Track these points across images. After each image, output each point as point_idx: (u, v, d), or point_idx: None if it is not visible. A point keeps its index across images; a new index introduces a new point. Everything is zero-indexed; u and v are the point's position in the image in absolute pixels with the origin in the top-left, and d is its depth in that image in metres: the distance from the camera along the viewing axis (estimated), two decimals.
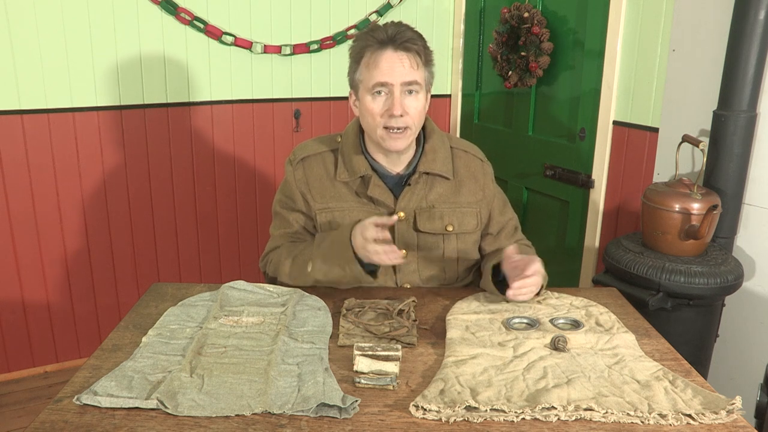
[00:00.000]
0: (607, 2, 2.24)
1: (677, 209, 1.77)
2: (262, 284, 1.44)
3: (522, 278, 1.29)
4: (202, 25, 2.59)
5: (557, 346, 1.17)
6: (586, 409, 0.98)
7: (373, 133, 1.42)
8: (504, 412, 0.98)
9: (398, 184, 1.50)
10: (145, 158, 2.66)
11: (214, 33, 2.62)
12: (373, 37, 1.37)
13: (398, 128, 1.38)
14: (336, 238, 1.39)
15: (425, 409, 0.98)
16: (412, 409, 0.98)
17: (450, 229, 1.51)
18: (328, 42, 2.82)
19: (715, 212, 1.75)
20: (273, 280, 1.54)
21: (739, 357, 1.96)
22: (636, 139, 2.22)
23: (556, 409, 0.98)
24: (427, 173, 1.49)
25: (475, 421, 0.96)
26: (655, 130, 2.13)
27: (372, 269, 1.39)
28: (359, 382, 1.05)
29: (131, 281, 2.76)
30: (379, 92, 1.38)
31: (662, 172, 2.11)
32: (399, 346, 1.14)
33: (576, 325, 1.27)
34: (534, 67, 2.51)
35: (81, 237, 2.61)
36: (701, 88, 1.95)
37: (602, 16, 2.27)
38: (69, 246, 2.60)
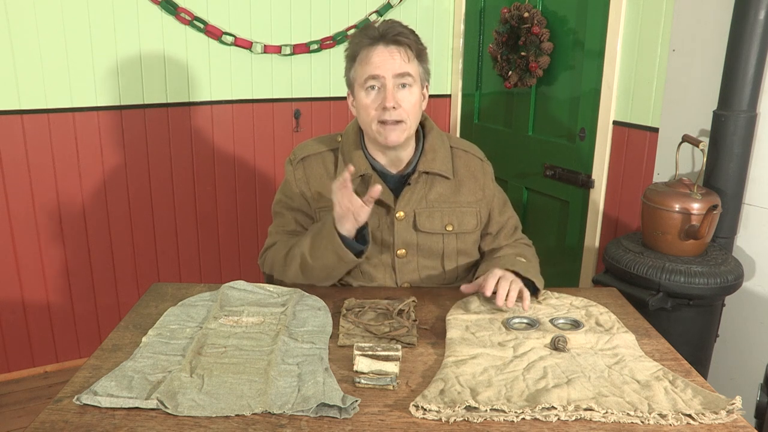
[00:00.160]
0: (607, 2, 2.24)
1: (677, 209, 1.77)
2: (262, 284, 1.44)
3: (494, 292, 1.29)
4: (202, 25, 2.59)
5: (557, 346, 1.17)
6: (586, 409, 0.98)
7: (369, 128, 1.42)
8: (504, 412, 0.98)
9: (398, 184, 1.50)
10: (145, 158, 2.66)
11: (214, 33, 2.62)
12: (366, 36, 1.39)
13: (392, 121, 1.38)
14: (324, 221, 1.42)
15: (425, 409, 0.98)
16: (412, 409, 0.98)
17: (450, 228, 1.51)
18: (328, 42, 2.82)
19: (715, 212, 1.75)
20: (271, 278, 1.54)
21: (739, 357, 1.96)
22: (636, 139, 2.22)
23: (556, 409, 0.98)
24: (427, 173, 1.49)
25: (475, 421, 0.96)
26: (655, 130, 2.13)
27: (359, 250, 1.40)
28: (359, 382, 1.05)
29: (131, 281, 2.76)
30: (372, 87, 1.39)
31: (662, 172, 2.11)
32: (399, 346, 1.14)
33: (576, 325, 1.27)
34: (534, 67, 2.51)
35: (81, 237, 2.61)
36: (701, 88, 1.95)
37: (602, 16, 2.27)
38: (69, 246, 2.60)
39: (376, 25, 1.40)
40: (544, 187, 2.66)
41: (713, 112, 1.86)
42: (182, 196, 2.77)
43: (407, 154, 1.50)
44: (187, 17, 2.55)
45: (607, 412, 0.97)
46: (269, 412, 0.97)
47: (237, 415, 0.97)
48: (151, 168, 2.68)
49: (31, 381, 2.63)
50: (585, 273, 2.47)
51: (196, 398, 1.00)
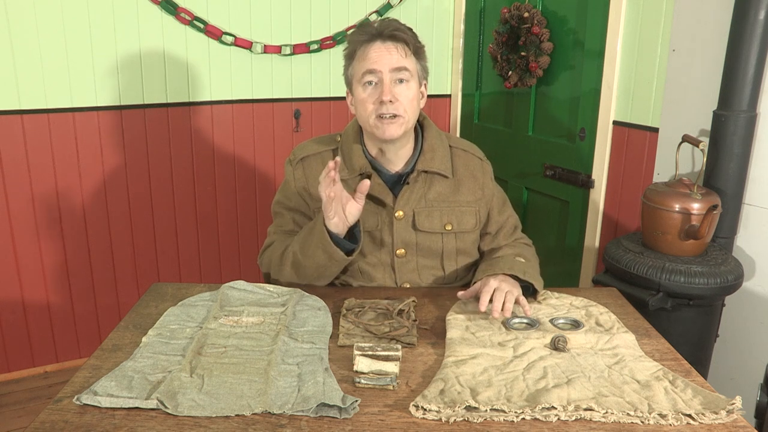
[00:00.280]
0: (607, 2, 2.24)
1: (677, 209, 1.77)
2: (262, 284, 1.44)
3: (490, 303, 1.29)
4: (202, 25, 2.59)
5: (557, 346, 1.17)
6: (586, 409, 0.98)
7: (366, 123, 1.43)
8: (504, 412, 0.98)
9: (397, 183, 1.50)
10: (145, 158, 2.66)
11: (214, 33, 2.62)
12: (363, 33, 1.40)
13: (390, 115, 1.38)
14: (315, 219, 1.43)
15: (425, 409, 0.98)
16: (412, 409, 0.98)
17: (449, 228, 1.51)
18: (328, 42, 2.82)
19: (715, 212, 1.75)
20: (270, 278, 1.54)
21: (739, 357, 1.96)
22: (636, 139, 2.22)
23: (556, 409, 0.98)
24: (426, 172, 1.49)
25: (475, 421, 0.96)
26: (655, 130, 2.13)
27: (350, 248, 1.40)
28: (359, 382, 1.05)
29: (131, 281, 2.76)
30: (370, 82, 1.39)
31: (662, 172, 2.11)
32: (399, 346, 1.14)
33: (576, 325, 1.27)
34: (534, 67, 2.51)
35: (81, 237, 2.61)
36: (701, 88, 1.95)
37: (602, 16, 2.27)
38: (69, 246, 2.60)
39: (374, 22, 1.42)
40: (544, 187, 2.66)
41: (713, 112, 1.86)
42: (182, 196, 2.76)
43: (406, 152, 1.50)
44: (187, 17, 2.55)
45: (607, 412, 0.97)
46: (269, 412, 0.97)
47: (237, 415, 0.97)
48: (151, 168, 2.68)
49: (31, 381, 2.63)
50: (585, 273, 2.47)
51: (196, 398, 1.00)
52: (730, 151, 1.82)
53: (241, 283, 1.42)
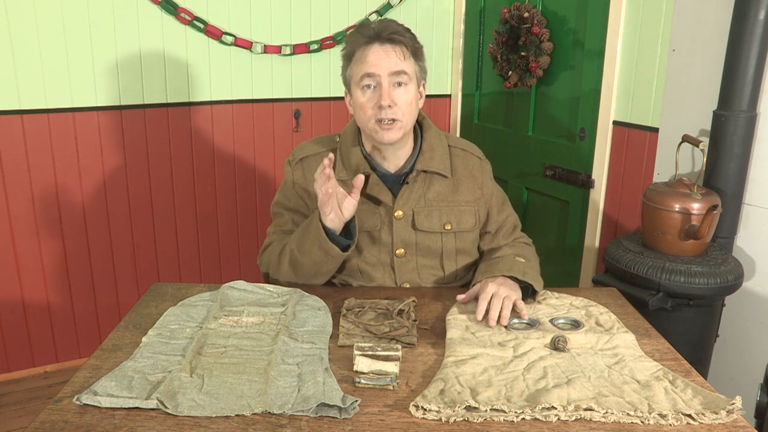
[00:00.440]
0: (607, 2, 2.24)
1: (677, 209, 1.77)
2: (262, 284, 1.44)
3: (486, 311, 1.29)
4: (202, 25, 2.59)
5: (557, 346, 1.17)
6: (586, 409, 0.98)
7: (365, 127, 1.43)
8: (504, 412, 0.98)
9: (396, 183, 1.50)
10: (145, 158, 2.66)
11: (214, 33, 2.62)
12: (361, 35, 1.40)
13: (388, 120, 1.38)
14: (311, 217, 1.43)
15: (425, 409, 0.98)
16: (412, 409, 0.98)
17: (448, 227, 1.51)
18: (328, 42, 2.82)
19: (715, 212, 1.75)
20: (269, 277, 1.55)
21: (739, 357, 1.96)
22: (636, 139, 2.22)
23: (556, 409, 0.98)
24: (425, 171, 1.50)
25: (475, 421, 0.96)
26: (655, 130, 2.13)
27: (345, 245, 1.40)
28: (359, 382, 1.05)
29: (131, 281, 2.76)
30: (368, 86, 1.39)
31: (662, 172, 2.11)
32: (399, 346, 1.14)
33: (576, 325, 1.27)
34: (534, 67, 2.51)
35: (81, 237, 2.61)
36: (701, 88, 1.95)
37: (602, 16, 2.27)
38: (69, 246, 2.60)
39: (372, 23, 1.41)
40: (544, 187, 2.66)
41: (713, 112, 1.86)
42: (182, 196, 2.77)
43: (405, 152, 1.50)
44: (187, 17, 2.55)
45: (607, 412, 0.97)
46: (269, 412, 0.97)
47: (237, 415, 0.97)
48: (151, 168, 2.68)
49: (31, 381, 2.63)
50: (585, 273, 2.47)
51: (196, 398, 1.00)
52: (730, 151, 1.82)
53: (241, 283, 1.42)
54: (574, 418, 0.97)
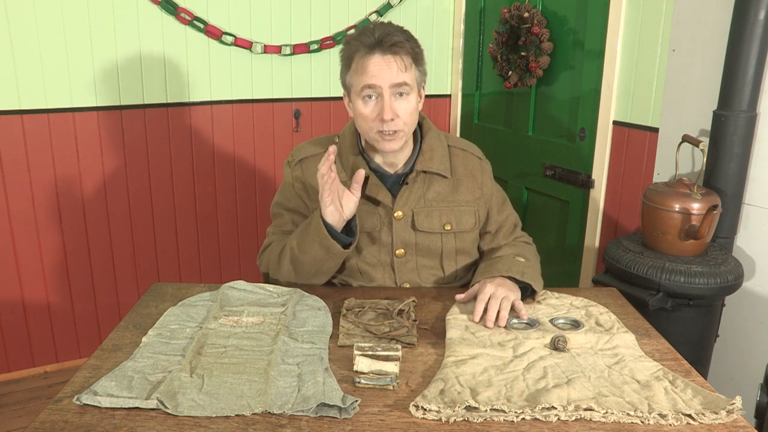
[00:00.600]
0: (607, 2, 2.24)
1: (677, 209, 1.77)
2: (262, 284, 1.44)
3: (484, 313, 1.29)
4: (202, 25, 2.59)
5: (557, 346, 1.17)
6: (586, 409, 0.98)
7: (366, 136, 1.43)
8: (504, 412, 0.98)
9: (396, 183, 1.50)
10: (145, 158, 2.66)
11: (214, 33, 2.62)
12: (361, 42, 1.37)
13: (390, 131, 1.38)
14: (312, 215, 1.43)
15: (425, 409, 0.98)
16: (412, 409, 0.98)
17: (448, 228, 1.51)
18: (328, 42, 2.82)
19: (715, 212, 1.75)
20: (269, 277, 1.55)
21: (739, 357, 1.96)
22: (636, 139, 2.22)
23: (556, 409, 0.98)
24: (425, 172, 1.50)
25: (475, 421, 0.96)
26: (655, 130, 2.13)
27: (347, 242, 1.40)
28: (359, 382, 1.05)
29: (131, 281, 2.76)
30: (369, 96, 1.38)
31: (662, 172, 2.11)
32: (399, 346, 1.14)
33: (576, 325, 1.27)
34: (534, 67, 2.51)
35: (81, 237, 2.61)
36: (701, 88, 1.95)
37: (602, 16, 2.27)
38: (69, 246, 2.60)
39: (372, 27, 1.38)
40: (544, 187, 2.66)
41: (713, 112, 1.86)
42: (182, 196, 2.77)
43: (405, 154, 1.50)
44: (187, 17, 2.55)
45: (607, 412, 0.97)
46: (269, 412, 0.98)
47: (237, 415, 0.97)
48: (151, 168, 2.68)
49: (31, 381, 2.63)
50: (585, 273, 2.47)
51: (196, 398, 1.00)
52: (730, 151, 1.82)
53: (241, 283, 1.42)
54: (574, 418, 0.97)
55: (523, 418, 0.97)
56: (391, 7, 2.91)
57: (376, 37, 1.36)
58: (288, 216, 1.55)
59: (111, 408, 0.98)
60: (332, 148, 1.29)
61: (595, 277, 1.94)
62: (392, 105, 1.37)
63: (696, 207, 1.75)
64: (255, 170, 2.88)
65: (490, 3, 2.84)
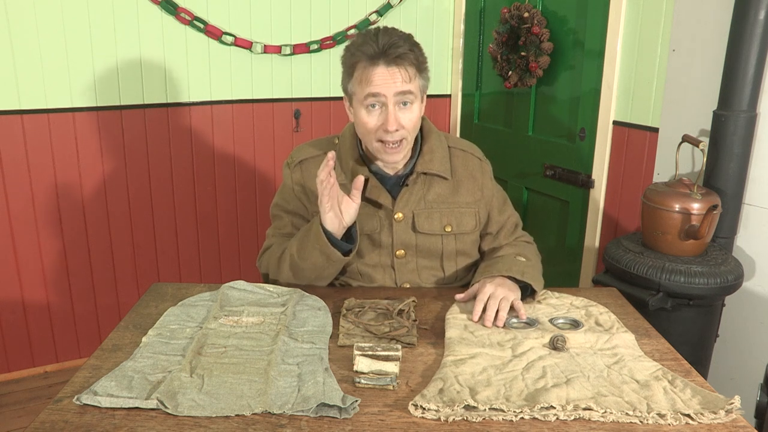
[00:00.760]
0: (607, 2, 2.24)
1: (677, 209, 1.77)
2: (262, 284, 1.44)
3: (482, 313, 1.29)
4: (202, 25, 2.59)
5: (556, 345, 1.17)
6: (585, 409, 0.98)
7: (368, 144, 1.43)
8: (503, 411, 0.98)
9: (396, 185, 1.50)
10: (145, 158, 2.66)
11: (214, 33, 2.62)
12: (363, 52, 1.34)
13: (394, 142, 1.38)
14: (311, 221, 1.43)
15: (424, 408, 0.98)
16: (411, 409, 0.98)
17: (448, 229, 1.51)
18: (328, 42, 2.82)
19: (715, 212, 1.75)
20: (268, 277, 1.55)
21: (739, 357, 1.96)
22: (636, 139, 2.22)
23: (555, 408, 0.98)
24: (425, 173, 1.49)
25: (474, 420, 0.97)
26: (655, 130, 2.13)
27: (347, 249, 1.40)
28: (359, 382, 1.06)
29: (131, 281, 2.76)
30: (373, 105, 1.36)
31: (662, 172, 2.11)
32: (399, 346, 1.14)
33: (575, 324, 1.27)
34: (534, 67, 2.51)
35: (81, 237, 2.61)
36: (701, 88, 1.95)
37: (602, 16, 2.27)
38: (69, 246, 2.60)
39: (375, 34, 1.35)
40: (544, 187, 2.66)
41: (713, 112, 1.86)
42: (182, 196, 2.77)
43: (405, 156, 1.50)
44: (187, 17, 2.56)
45: (606, 412, 0.97)
46: (269, 412, 0.98)
47: (237, 415, 0.97)
48: (151, 168, 2.68)
49: (31, 381, 2.63)
50: (585, 273, 2.47)
51: (196, 398, 1.00)
52: (730, 151, 1.82)
53: (241, 283, 1.42)
54: (573, 418, 0.97)
55: (522, 418, 0.97)
56: (391, 7, 2.91)
57: (380, 47, 1.33)
58: (287, 218, 1.55)
59: (111, 408, 0.98)
60: (331, 154, 1.28)
61: (595, 277, 1.94)
62: (396, 115, 1.36)
63: (696, 207, 1.75)
64: (255, 170, 2.88)
65: (490, 3, 2.84)
